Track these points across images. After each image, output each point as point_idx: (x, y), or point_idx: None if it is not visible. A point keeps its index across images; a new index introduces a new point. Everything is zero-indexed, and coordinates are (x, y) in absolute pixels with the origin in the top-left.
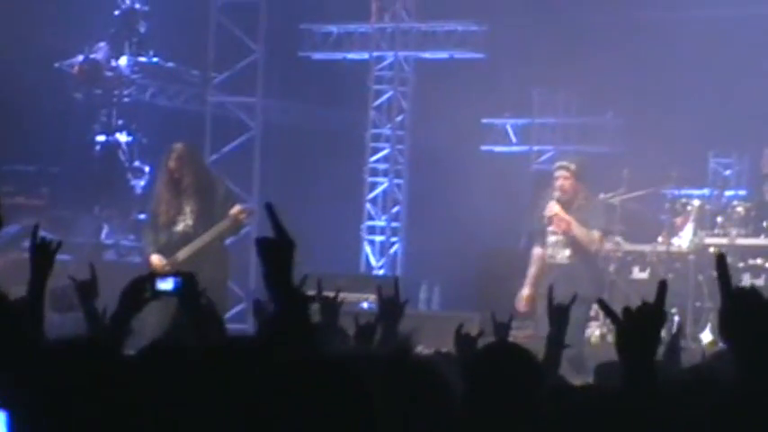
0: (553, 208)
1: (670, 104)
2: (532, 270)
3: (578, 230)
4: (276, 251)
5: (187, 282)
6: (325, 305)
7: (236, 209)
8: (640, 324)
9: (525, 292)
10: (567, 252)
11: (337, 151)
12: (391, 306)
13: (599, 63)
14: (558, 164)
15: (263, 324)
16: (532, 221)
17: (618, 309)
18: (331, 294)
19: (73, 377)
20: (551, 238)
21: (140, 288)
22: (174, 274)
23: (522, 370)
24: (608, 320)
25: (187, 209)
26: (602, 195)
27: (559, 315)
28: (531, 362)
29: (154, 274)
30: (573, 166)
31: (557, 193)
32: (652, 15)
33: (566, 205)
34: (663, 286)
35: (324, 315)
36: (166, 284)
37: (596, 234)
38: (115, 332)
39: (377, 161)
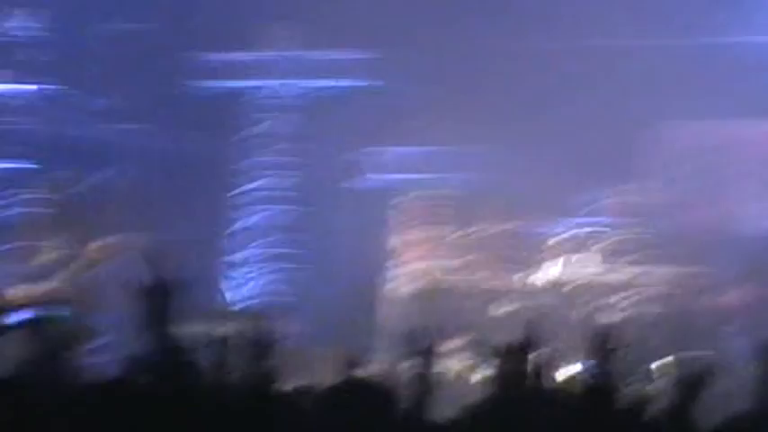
0: (405, 234)
1: (538, 136)
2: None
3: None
4: (157, 297)
5: (38, 317)
6: (212, 341)
7: (108, 241)
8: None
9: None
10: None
11: (215, 179)
12: (257, 341)
13: (475, 89)
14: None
15: None
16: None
17: (478, 344)
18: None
19: None
20: (401, 270)
21: None
22: (26, 307)
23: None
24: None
25: (56, 238)
26: (467, 228)
27: None
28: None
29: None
30: (429, 194)
31: (407, 219)
32: (530, 44)
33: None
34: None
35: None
36: (15, 318)
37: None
38: None
39: (253, 190)
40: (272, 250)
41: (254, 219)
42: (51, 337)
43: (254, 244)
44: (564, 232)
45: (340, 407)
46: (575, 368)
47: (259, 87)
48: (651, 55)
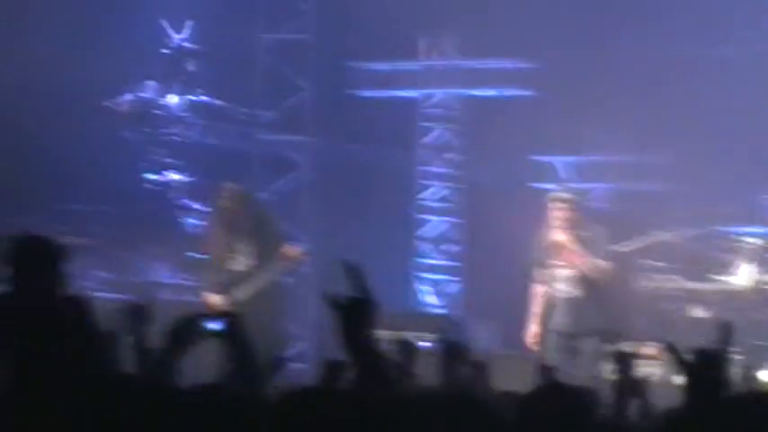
0: (558, 237)
1: (722, 141)
2: (536, 308)
3: (585, 264)
4: (357, 312)
5: (233, 324)
6: (402, 346)
7: (290, 249)
8: (707, 369)
9: (533, 329)
10: (573, 284)
11: (387, 189)
12: (453, 347)
13: (650, 100)
14: (553, 195)
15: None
16: (535, 253)
17: (678, 348)
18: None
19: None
20: (557, 272)
21: (187, 329)
22: (222, 315)
23: (575, 410)
24: (669, 360)
25: (241, 248)
26: (654, 233)
27: None
28: (584, 402)
29: (200, 315)
30: (571, 197)
31: (557, 223)
32: (701, 51)
33: (567, 236)
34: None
35: (401, 356)
36: (212, 325)
37: (603, 264)
38: (161, 372)
39: (427, 199)
40: (447, 260)
41: (427, 227)
42: (247, 343)
43: (436, 252)
44: (757, 236)
45: (541, 412)
46: None
47: (426, 96)
48: None
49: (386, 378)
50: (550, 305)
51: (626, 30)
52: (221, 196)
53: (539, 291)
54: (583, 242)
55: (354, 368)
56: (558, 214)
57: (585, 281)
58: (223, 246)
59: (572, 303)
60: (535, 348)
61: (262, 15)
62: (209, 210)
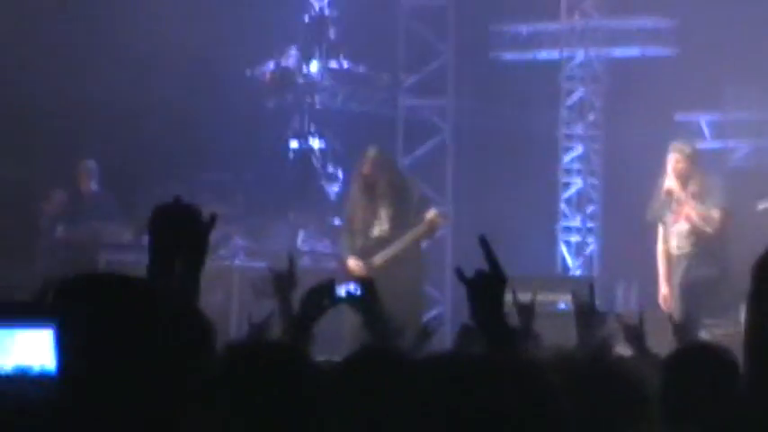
0: (670, 183)
1: None
2: (662, 268)
3: (696, 209)
4: (488, 287)
5: (366, 288)
6: (521, 309)
7: (431, 213)
8: (480, 289)
9: (664, 290)
10: (692, 240)
11: (530, 152)
12: (588, 311)
13: None
14: (671, 145)
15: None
16: (654, 211)
17: None
18: (527, 299)
19: (263, 380)
20: (673, 229)
21: (320, 294)
22: (355, 280)
23: (721, 370)
24: None
25: (382, 213)
26: None
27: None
28: (729, 362)
29: (333, 281)
30: (687, 149)
31: (672, 174)
32: None
33: (681, 188)
34: (485, 244)
35: (520, 320)
36: (346, 291)
37: (715, 213)
38: (298, 338)
39: (570, 161)
40: (601, 218)
41: (571, 190)
42: (380, 308)
43: (576, 214)
44: None
45: (682, 371)
46: None
47: (568, 57)
48: None
49: (515, 350)
50: (671, 262)
51: None
52: (363, 161)
53: (661, 249)
54: (696, 195)
55: (487, 340)
56: (673, 165)
57: (695, 234)
58: (365, 211)
59: (683, 259)
60: (666, 307)
61: None
62: (352, 176)
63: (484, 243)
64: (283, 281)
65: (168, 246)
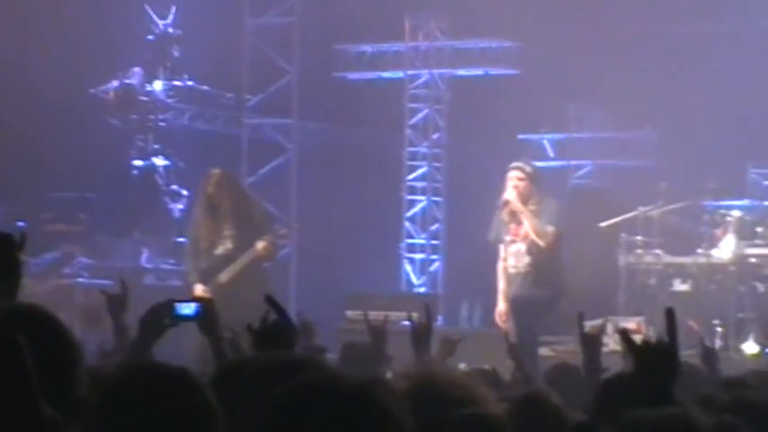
0: (509, 195)
1: (707, 116)
2: (501, 285)
3: (531, 221)
4: (279, 337)
5: (206, 308)
6: (373, 330)
7: (260, 244)
8: (656, 362)
9: (501, 307)
10: (527, 260)
11: (374, 170)
12: (422, 329)
13: (634, 77)
14: (512, 165)
15: None
16: (494, 231)
17: (661, 322)
18: (377, 316)
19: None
20: (512, 248)
21: (160, 314)
22: (194, 299)
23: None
24: (650, 334)
25: (226, 233)
26: (640, 208)
27: (591, 342)
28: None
29: (173, 301)
30: (527, 168)
31: (510, 192)
32: (686, 28)
33: (520, 206)
34: (671, 317)
35: (373, 340)
36: (186, 310)
37: (549, 228)
38: (136, 357)
39: (414, 179)
40: (445, 236)
41: (416, 208)
42: (216, 329)
43: (420, 232)
44: (737, 209)
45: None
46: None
47: (412, 77)
48: None
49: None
50: (508, 281)
51: (608, 6)
52: (207, 182)
53: (500, 267)
54: (534, 213)
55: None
56: (514, 184)
57: (531, 254)
58: (209, 230)
59: (519, 277)
60: (502, 326)
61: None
62: (195, 195)
63: (270, 300)
64: (115, 303)
65: None
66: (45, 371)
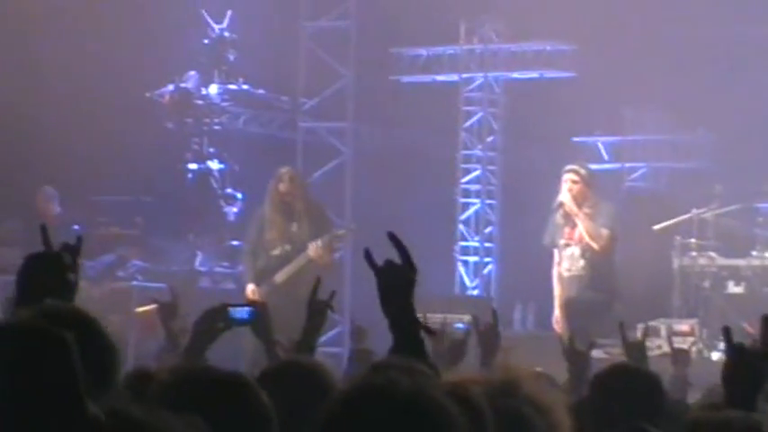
0: (564, 198)
1: (762, 119)
2: (557, 290)
3: (585, 223)
4: (399, 276)
5: (259, 311)
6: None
7: (311, 247)
8: (750, 363)
9: (557, 312)
10: (581, 263)
11: (429, 173)
12: (490, 333)
13: (689, 79)
14: (567, 167)
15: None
16: (549, 234)
17: (715, 325)
18: (434, 319)
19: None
20: (566, 251)
21: (213, 318)
22: (248, 303)
23: (646, 388)
24: (704, 336)
25: (293, 232)
26: (694, 211)
27: (577, 358)
28: (653, 381)
29: (227, 305)
30: (582, 171)
31: (565, 194)
32: (746, 29)
33: (574, 209)
34: (394, 238)
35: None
36: (240, 314)
37: (604, 231)
38: (191, 360)
39: (468, 182)
40: (499, 239)
41: (470, 211)
42: (270, 332)
43: (474, 235)
44: None
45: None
46: None
47: (467, 80)
48: None
49: (424, 353)
50: (563, 285)
51: (665, 8)
52: (280, 180)
53: (556, 271)
54: (589, 216)
55: (399, 340)
56: (569, 186)
57: (585, 258)
58: (276, 229)
59: (574, 281)
60: (558, 329)
61: (302, 3)
62: (267, 193)
63: (393, 237)
64: (166, 310)
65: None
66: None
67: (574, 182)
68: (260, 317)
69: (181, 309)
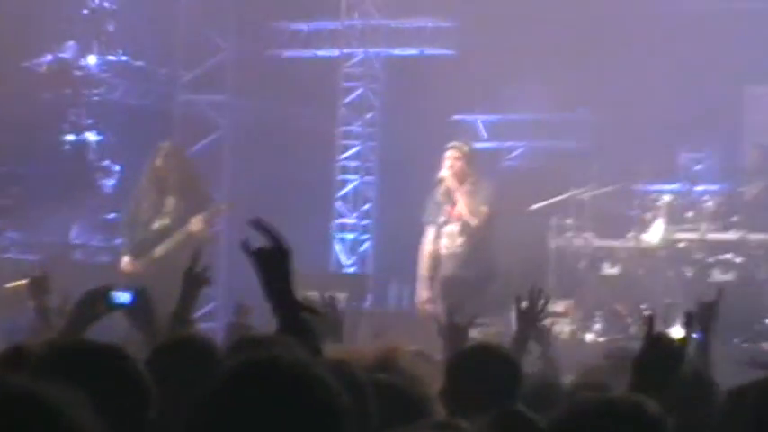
0: (444, 173)
1: (640, 100)
2: (425, 268)
3: (465, 199)
4: (274, 260)
5: (141, 296)
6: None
7: (193, 222)
8: (663, 356)
9: (424, 295)
10: (460, 240)
11: (307, 149)
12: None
13: (569, 59)
14: (449, 144)
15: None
16: (428, 211)
17: (589, 306)
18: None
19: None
20: (446, 228)
21: (94, 300)
22: (129, 288)
23: (503, 369)
24: (578, 317)
25: (169, 207)
26: (572, 190)
27: (456, 335)
28: (510, 361)
29: (108, 287)
30: (465, 148)
31: (446, 171)
32: (620, 10)
33: (455, 186)
34: (258, 224)
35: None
36: (121, 298)
37: (483, 208)
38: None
39: (347, 159)
40: (376, 216)
41: (348, 187)
42: (150, 318)
43: (352, 212)
44: (668, 193)
45: (467, 370)
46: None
47: (348, 56)
48: (740, 17)
49: (312, 335)
50: (438, 262)
51: None
52: (156, 155)
53: (427, 250)
54: (469, 193)
55: (284, 323)
56: (451, 163)
57: (465, 235)
58: (151, 203)
59: (452, 258)
60: (422, 308)
61: None
62: (145, 167)
63: (257, 224)
64: (37, 285)
65: None
66: None
67: (456, 158)
68: (142, 303)
69: (53, 283)
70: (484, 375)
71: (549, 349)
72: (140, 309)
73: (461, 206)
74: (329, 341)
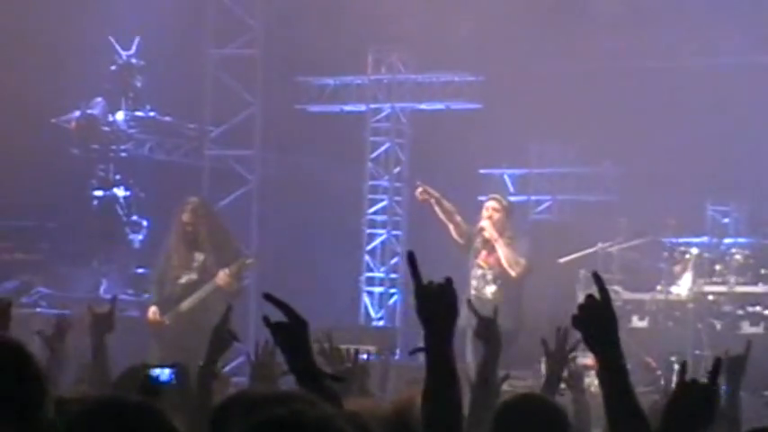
0: (484, 223)
1: (668, 153)
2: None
3: (505, 250)
4: (293, 332)
5: (180, 373)
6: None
7: (220, 275)
8: (695, 400)
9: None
10: (493, 288)
11: (335, 203)
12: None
13: (596, 112)
14: (490, 195)
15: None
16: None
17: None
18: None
19: None
20: (478, 272)
21: (134, 379)
22: (169, 365)
23: (552, 419)
24: None
25: (197, 262)
26: (599, 244)
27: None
28: (559, 411)
29: (146, 366)
30: (504, 201)
31: (485, 222)
32: (650, 64)
33: (494, 237)
34: (718, 364)
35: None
36: (162, 375)
37: (522, 260)
38: None
39: (375, 213)
40: (404, 270)
41: (375, 241)
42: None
43: (380, 266)
44: (696, 246)
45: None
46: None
47: (374, 110)
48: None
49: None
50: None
51: (571, 43)
52: (183, 210)
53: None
54: (508, 244)
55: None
56: (490, 213)
57: (497, 282)
58: (181, 259)
59: (478, 304)
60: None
61: (210, 31)
62: (173, 223)
63: (270, 298)
64: (101, 322)
65: None
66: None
67: (495, 210)
68: (181, 379)
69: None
70: (533, 426)
71: (582, 396)
72: (179, 385)
73: (501, 255)
74: (355, 395)
